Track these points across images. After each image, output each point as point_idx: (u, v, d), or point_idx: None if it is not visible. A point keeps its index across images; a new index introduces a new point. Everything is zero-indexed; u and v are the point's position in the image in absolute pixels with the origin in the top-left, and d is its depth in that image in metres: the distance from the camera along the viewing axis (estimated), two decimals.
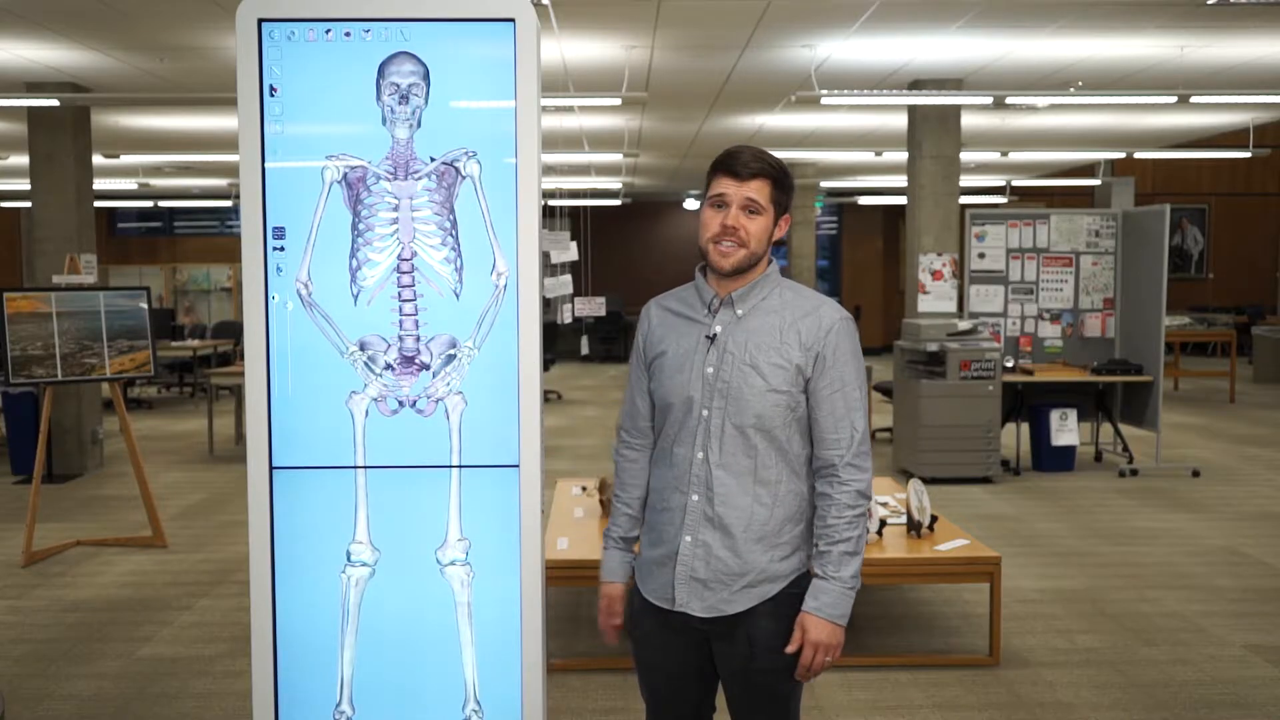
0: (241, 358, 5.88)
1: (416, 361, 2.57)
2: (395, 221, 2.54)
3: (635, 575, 2.33)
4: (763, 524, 2.18)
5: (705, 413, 2.18)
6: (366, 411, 2.58)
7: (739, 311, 2.20)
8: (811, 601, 2.17)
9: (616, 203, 17.63)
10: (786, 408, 2.17)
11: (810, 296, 2.25)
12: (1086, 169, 15.37)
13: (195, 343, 12.62)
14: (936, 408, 7.63)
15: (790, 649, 2.17)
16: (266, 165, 2.53)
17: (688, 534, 2.19)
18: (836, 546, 2.16)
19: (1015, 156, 13.23)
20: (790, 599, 2.20)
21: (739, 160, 2.16)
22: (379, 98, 2.51)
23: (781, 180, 2.19)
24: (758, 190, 2.16)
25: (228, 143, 11.11)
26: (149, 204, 18.44)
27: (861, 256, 20.34)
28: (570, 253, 7.72)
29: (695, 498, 2.19)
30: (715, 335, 2.19)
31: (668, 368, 2.23)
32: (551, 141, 11.07)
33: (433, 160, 2.53)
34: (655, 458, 2.30)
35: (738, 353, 2.17)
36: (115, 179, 14.59)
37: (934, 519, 4.52)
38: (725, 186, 2.17)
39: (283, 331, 2.56)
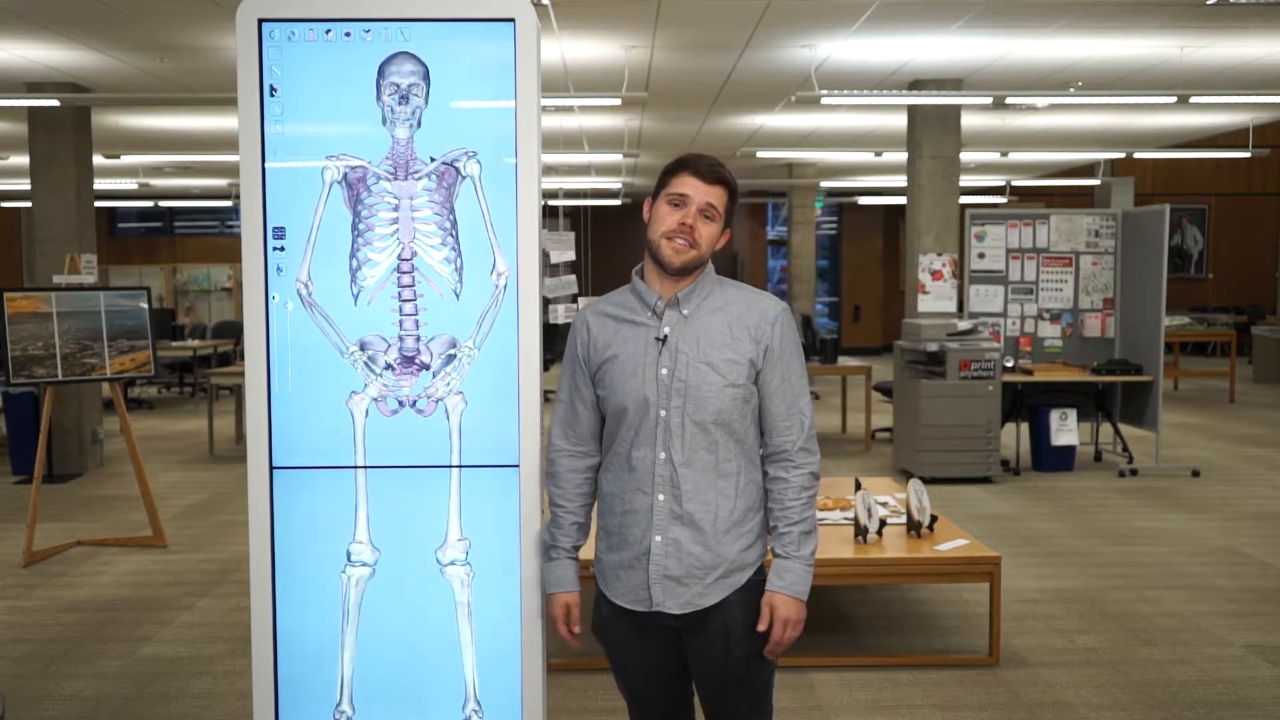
0: (241, 358, 5.88)
1: (416, 361, 2.57)
2: (395, 221, 2.54)
3: (598, 581, 2.34)
4: (728, 515, 2.22)
5: (663, 413, 2.20)
6: (366, 411, 2.58)
7: (684, 311, 2.24)
8: (777, 580, 2.23)
9: (616, 203, 17.63)
10: (743, 400, 2.22)
11: (749, 291, 2.31)
12: (1086, 169, 15.37)
13: (195, 343, 12.62)
14: (936, 408, 7.63)
15: (761, 627, 2.22)
16: (266, 165, 2.53)
17: (657, 534, 2.21)
18: (795, 527, 2.23)
19: (1015, 156, 13.23)
20: (756, 585, 2.26)
21: (703, 162, 2.22)
22: (379, 98, 2.52)
23: (735, 192, 2.26)
24: (718, 197, 2.21)
25: (228, 143, 11.11)
26: (149, 204, 18.45)
27: (861, 256, 20.33)
28: (568, 253, 7.73)
29: (661, 497, 2.21)
30: (665, 336, 2.22)
31: (619, 372, 2.23)
32: (551, 141, 11.07)
33: (433, 160, 2.53)
34: (607, 463, 2.31)
35: (691, 352, 2.21)
36: (115, 179, 14.59)
37: (934, 519, 4.52)
38: (688, 186, 2.20)
39: (283, 331, 2.56)
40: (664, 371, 2.20)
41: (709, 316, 2.23)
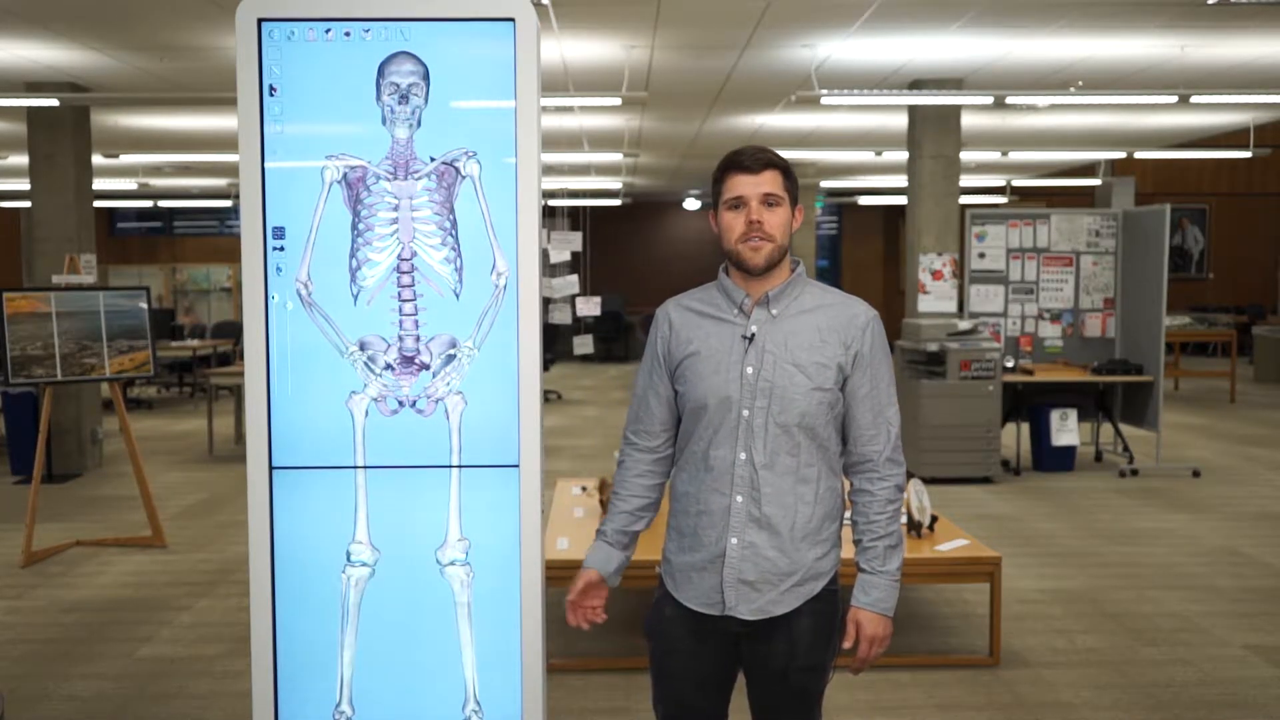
0: (241, 358, 5.88)
1: (416, 361, 2.57)
2: (395, 221, 2.54)
3: (665, 582, 2.29)
4: (806, 522, 2.18)
5: (746, 413, 2.15)
6: (366, 411, 2.58)
7: (773, 311, 2.19)
8: (863, 597, 2.19)
9: (616, 203, 17.63)
10: (828, 405, 2.18)
11: (840, 295, 2.27)
12: (1086, 169, 15.37)
13: (195, 343, 12.62)
14: (936, 408, 7.63)
15: (847, 644, 2.19)
16: (266, 165, 2.53)
17: (733, 536, 2.16)
18: (881, 541, 2.19)
19: (1015, 156, 13.23)
20: (827, 596, 2.22)
21: (748, 156, 2.17)
22: (379, 98, 2.52)
23: (789, 170, 2.21)
24: (771, 182, 2.16)
25: (228, 143, 11.10)
26: (149, 204, 18.44)
27: (861, 256, 20.33)
28: (565, 253, 7.73)
29: (739, 499, 2.16)
30: (753, 335, 2.17)
31: (701, 369, 2.19)
32: (551, 141, 11.07)
33: (433, 160, 2.53)
34: (683, 462, 2.26)
35: (778, 352, 2.16)
36: (115, 179, 14.58)
37: (934, 519, 4.52)
38: (740, 186, 2.16)
39: (283, 331, 2.56)
40: (749, 370, 2.16)
41: (798, 318, 2.19)
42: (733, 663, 2.27)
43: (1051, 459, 8.08)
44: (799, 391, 2.15)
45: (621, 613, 4.41)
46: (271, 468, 2.58)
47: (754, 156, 2.16)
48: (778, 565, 2.16)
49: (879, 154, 12.89)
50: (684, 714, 2.31)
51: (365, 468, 2.58)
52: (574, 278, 7.73)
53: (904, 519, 4.53)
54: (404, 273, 2.55)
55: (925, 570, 4.30)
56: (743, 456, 2.16)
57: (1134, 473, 7.95)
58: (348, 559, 2.60)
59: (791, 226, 2.20)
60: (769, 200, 2.16)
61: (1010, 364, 8.03)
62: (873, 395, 2.20)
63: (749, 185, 2.15)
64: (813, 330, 2.18)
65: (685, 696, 2.29)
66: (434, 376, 2.57)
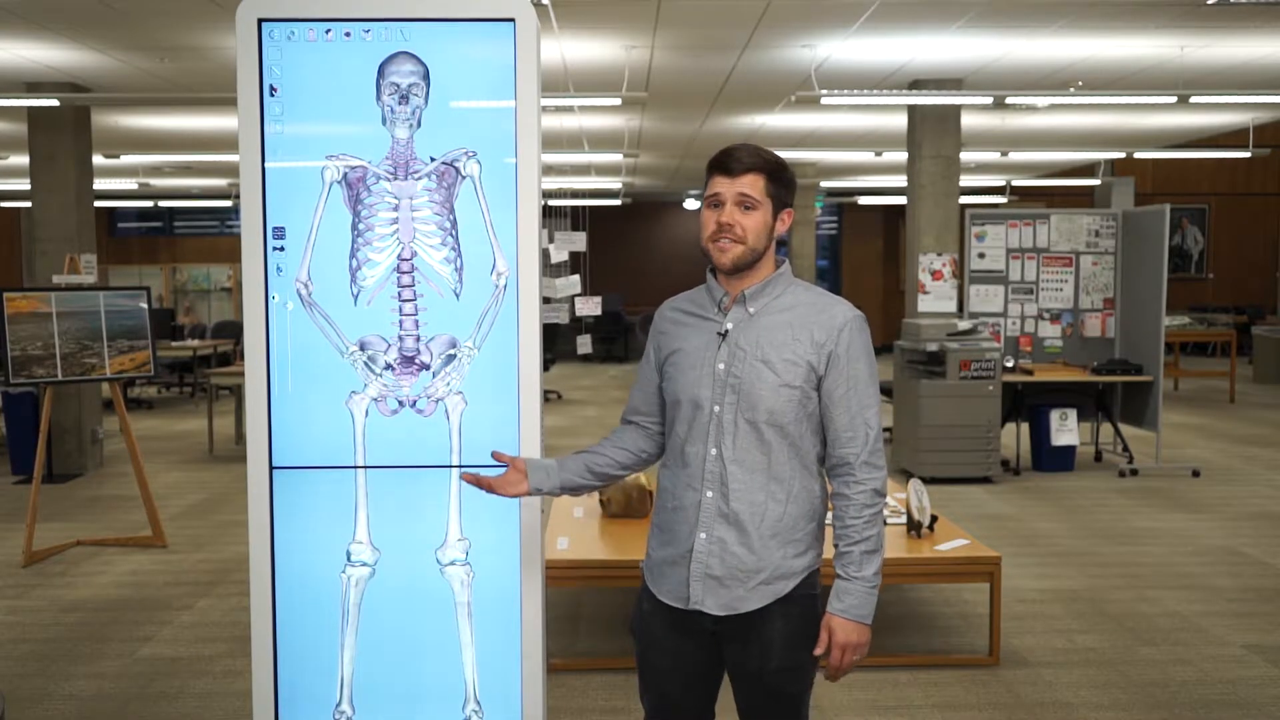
0: (241, 358, 5.88)
1: (416, 361, 2.57)
2: (395, 221, 2.55)
3: (645, 577, 2.31)
4: (776, 520, 2.18)
5: (716, 409, 2.18)
6: (366, 411, 2.58)
7: (750, 309, 2.21)
8: (836, 603, 2.17)
9: (616, 203, 17.63)
10: (798, 403, 2.18)
11: (823, 295, 2.27)
12: (1086, 169, 15.37)
13: (195, 343, 12.62)
14: (936, 408, 7.63)
15: (818, 651, 2.18)
16: (266, 165, 2.53)
17: (702, 531, 2.18)
18: (857, 546, 2.17)
19: (1015, 156, 13.23)
20: (803, 599, 2.21)
21: (731, 157, 2.18)
22: (379, 98, 2.52)
23: (777, 174, 2.19)
24: (750, 185, 2.16)
25: (228, 143, 11.11)
26: (149, 204, 18.44)
27: (861, 256, 20.33)
28: (565, 253, 7.73)
29: (709, 494, 2.18)
30: (726, 332, 2.20)
31: (681, 365, 2.23)
32: (551, 141, 11.07)
33: (433, 160, 2.53)
34: (665, 458, 2.31)
35: (749, 349, 2.18)
36: (115, 179, 14.58)
37: (934, 519, 4.52)
38: (719, 185, 2.18)
39: (283, 331, 2.56)
40: (720, 366, 2.18)
41: (775, 316, 2.20)
42: (715, 659, 2.27)
43: (1051, 459, 8.08)
44: (766, 388, 2.16)
45: (619, 612, 4.41)
46: (271, 467, 2.58)
47: (737, 159, 2.17)
48: (744, 562, 2.17)
49: (879, 154, 12.90)
50: (668, 707, 2.32)
51: (365, 468, 2.59)
52: (575, 278, 7.74)
53: (903, 519, 4.53)
54: (404, 273, 2.55)
55: (925, 570, 4.30)
56: (714, 452, 2.18)
57: (1134, 473, 7.95)
58: (348, 559, 2.60)
59: (773, 230, 2.20)
60: (744, 203, 2.16)
61: (1010, 364, 8.03)
62: (849, 397, 2.19)
63: (726, 186, 2.17)
64: (786, 328, 2.19)
65: (668, 690, 2.31)
66: (434, 376, 2.57)
